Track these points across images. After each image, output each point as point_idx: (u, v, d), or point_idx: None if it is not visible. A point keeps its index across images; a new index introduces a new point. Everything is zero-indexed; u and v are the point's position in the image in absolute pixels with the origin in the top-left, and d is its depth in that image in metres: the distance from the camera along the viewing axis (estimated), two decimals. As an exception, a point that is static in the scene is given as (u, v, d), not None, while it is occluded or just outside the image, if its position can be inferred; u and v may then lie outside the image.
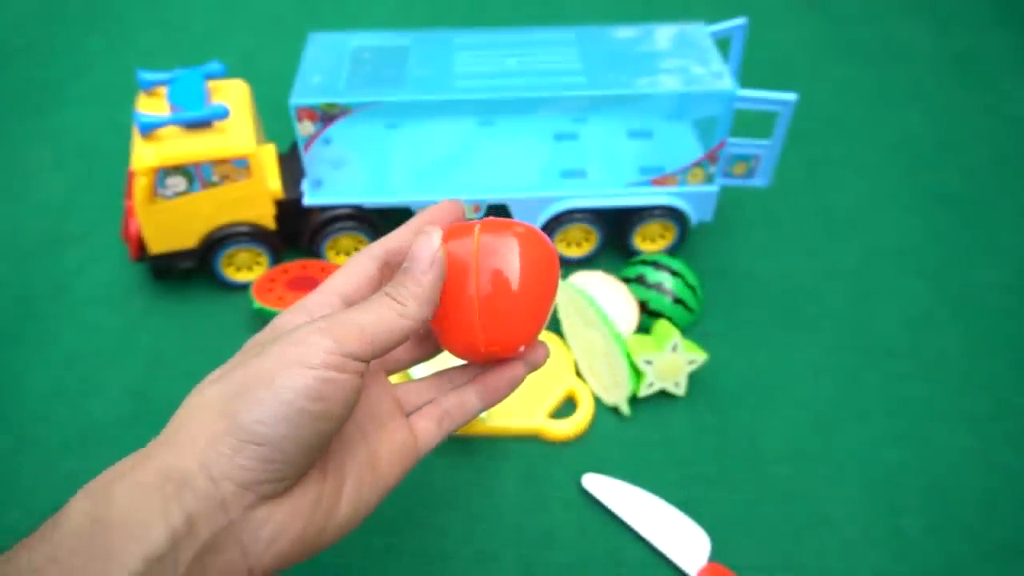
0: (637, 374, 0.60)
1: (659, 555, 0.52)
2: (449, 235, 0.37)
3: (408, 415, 0.38)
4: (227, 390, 0.32)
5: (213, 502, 0.30)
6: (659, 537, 0.52)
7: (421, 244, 0.35)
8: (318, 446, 0.32)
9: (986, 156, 0.86)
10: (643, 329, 0.66)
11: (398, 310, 0.34)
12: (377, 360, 0.37)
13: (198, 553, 0.29)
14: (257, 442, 0.30)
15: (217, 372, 0.34)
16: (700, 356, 0.60)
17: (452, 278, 0.36)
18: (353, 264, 0.38)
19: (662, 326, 0.62)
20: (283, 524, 0.32)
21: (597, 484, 0.55)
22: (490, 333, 0.36)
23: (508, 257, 0.36)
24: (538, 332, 0.38)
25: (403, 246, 0.39)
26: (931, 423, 0.61)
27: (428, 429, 0.38)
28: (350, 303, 0.36)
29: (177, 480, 0.30)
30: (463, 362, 0.40)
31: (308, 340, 0.32)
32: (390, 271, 0.39)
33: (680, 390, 0.61)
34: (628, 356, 0.60)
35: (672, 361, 0.60)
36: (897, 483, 0.57)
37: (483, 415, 0.58)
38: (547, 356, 0.40)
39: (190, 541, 0.29)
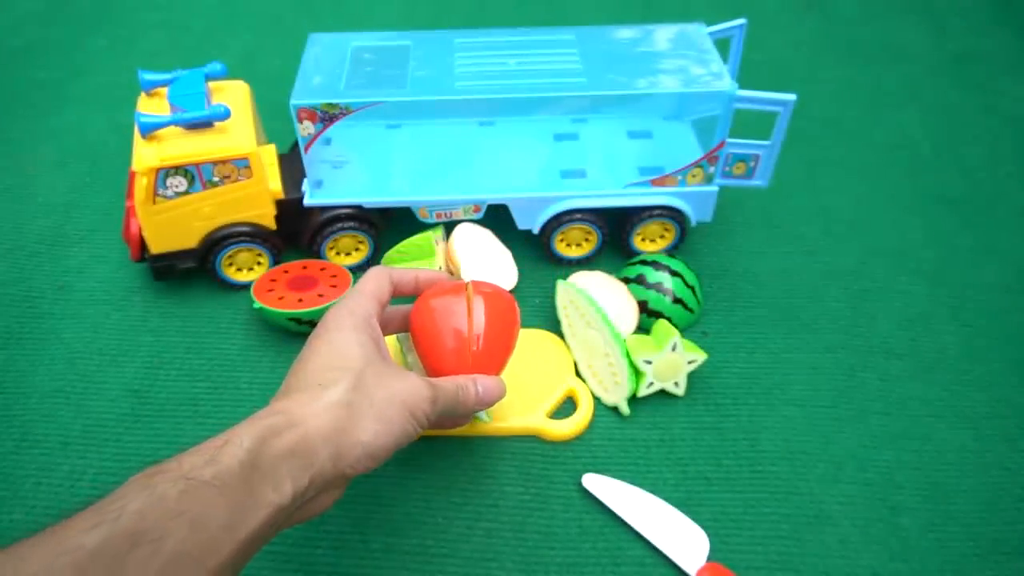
0: (637, 374, 0.60)
1: (659, 554, 0.53)
2: (443, 291, 0.52)
3: None
4: (373, 409, 0.42)
5: (325, 480, 0.40)
6: (659, 537, 0.53)
7: (494, 389, 0.50)
8: None
9: (984, 156, 0.87)
10: (643, 329, 0.66)
11: (458, 407, 0.48)
12: None
13: (307, 499, 0.40)
14: (375, 457, 0.42)
15: (348, 380, 0.43)
16: (700, 356, 0.60)
17: (448, 326, 0.51)
18: (380, 277, 0.50)
19: (662, 326, 0.62)
20: (335, 495, 0.43)
21: (597, 484, 0.55)
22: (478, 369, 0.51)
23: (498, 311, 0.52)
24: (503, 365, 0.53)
25: (407, 282, 0.52)
26: (929, 422, 0.61)
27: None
28: (383, 307, 0.49)
29: (314, 457, 0.39)
30: None
31: (417, 392, 0.44)
32: (393, 293, 0.51)
33: (680, 390, 0.61)
34: (628, 356, 0.60)
35: (672, 361, 0.60)
36: (896, 482, 0.57)
37: (483, 416, 0.59)
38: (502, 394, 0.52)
39: (302, 498, 0.39)
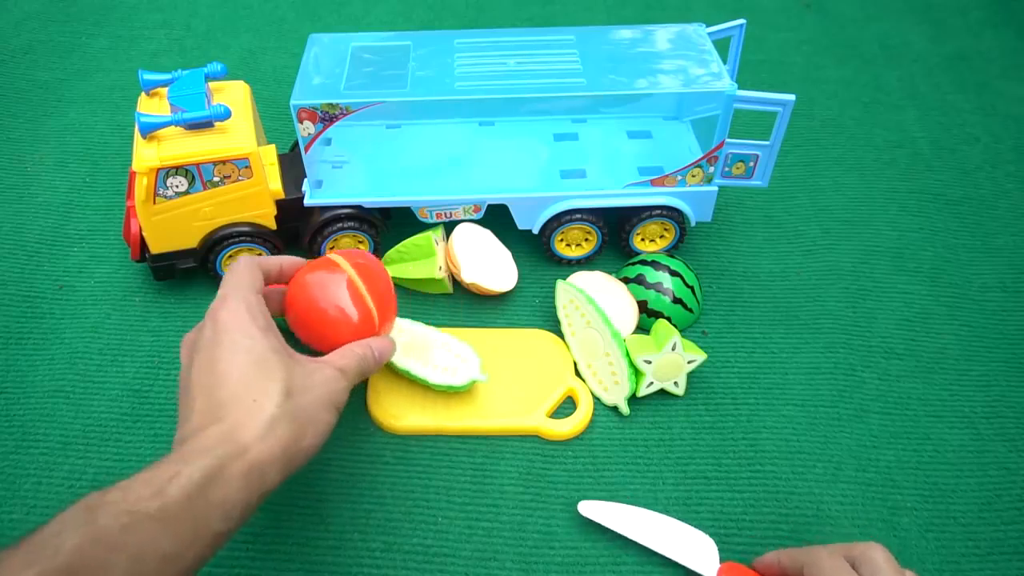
0: (637, 374, 0.60)
1: (658, 554, 0.53)
2: (314, 268, 0.53)
3: None
4: (307, 413, 0.43)
5: (270, 491, 0.41)
6: (669, 548, 0.52)
7: (386, 347, 0.52)
8: None
9: (984, 156, 0.87)
10: (642, 329, 0.66)
11: (370, 371, 0.50)
12: None
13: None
14: (311, 456, 0.43)
15: (276, 384, 0.43)
16: (699, 356, 0.61)
17: (332, 299, 0.52)
18: (247, 266, 0.49)
19: (662, 326, 0.62)
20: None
21: (594, 509, 0.54)
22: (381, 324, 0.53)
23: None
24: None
25: (272, 271, 0.52)
26: (929, 422, 0.61)
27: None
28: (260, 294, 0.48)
29: (262, 478, 0.40)
30: None
31: (334, 385, 0.45)
32: (265, 280, 0.50)
33: (679, 389, 0.61)
34: (628, 356, 0.60)
35: (672, 361, 0.60)
36: (895, 482, 0.57)
37: (484, 418, 0.59)
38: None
39: (253, 510, 0.40)
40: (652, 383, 0.60)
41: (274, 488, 0.41)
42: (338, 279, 0.52)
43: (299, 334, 0.53)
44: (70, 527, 0.33)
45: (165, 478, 0.37)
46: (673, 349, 0.60)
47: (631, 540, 0.53)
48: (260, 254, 0.69)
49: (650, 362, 0.60)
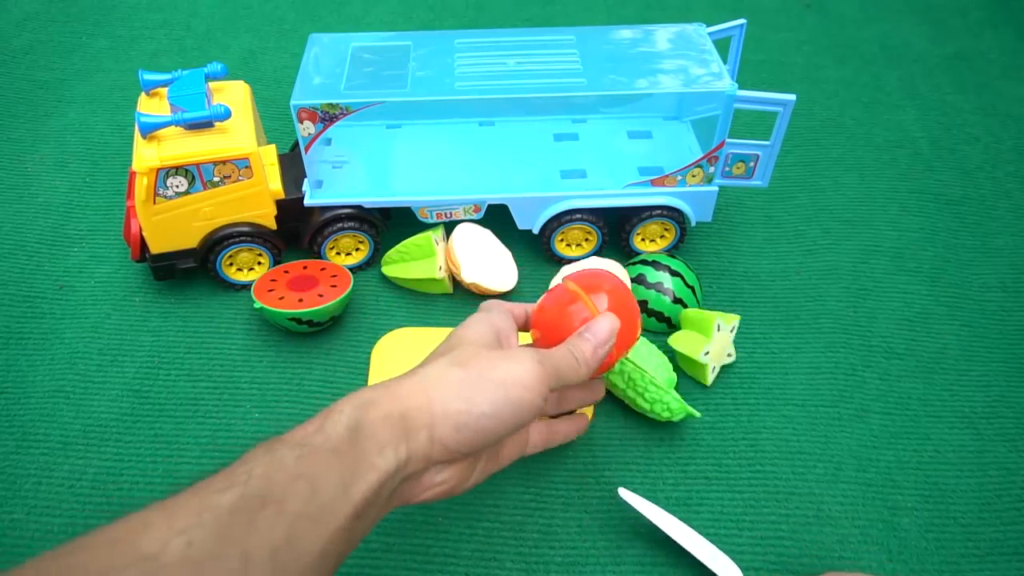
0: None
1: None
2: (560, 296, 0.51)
3: None
4: (467, 379, 0.42)
5: (425, 454, 0.40)
6: (699, 552, 0.51)
7: (603, 325, 0.47)
8: (504, 439, 0.44)
9: (984, 156, 0.87)
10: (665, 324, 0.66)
11: (579, 368, 0.46)
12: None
13: (403, 479, 0.40)
14: (477, 429, 0.41)
15: (448, 356, 0.43)
16: (735, 319, 0.63)
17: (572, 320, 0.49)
18: (516, 304, 0.51)
19: (693, 315, 0.63)
20: (446, 478, 0.43)
21: (633, 498, 0.53)
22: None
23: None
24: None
25: (518, 315, 0.51)
26: (929, 422, 0.61)
27: (535, 439, 0.51)
28: (516, 320, 0.50)
29: (410, 427, 0.40)
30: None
31: (530, 368, 0.43)
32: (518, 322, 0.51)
33: (732, 358, 0.64)
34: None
35: (721, 339, 0.62)
36: (895, 482, 0.57)
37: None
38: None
39: (404, 471, 0.40)
40: (715, 368, 0.63)
41: (428, 451, 0.40)
42: (577, 309, 0.49)
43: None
44: (256, 460, 0.36)
45: (323, 417, 0.39)
46: (718, 330, 0.61)
47: (662, 532, 0.52)
48: (260, 254, 0.69)
49: (707, 352, 0.61)
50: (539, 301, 0.52)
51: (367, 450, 0.38)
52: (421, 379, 0.42)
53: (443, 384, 0.41)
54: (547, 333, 0.49)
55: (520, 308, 0.52)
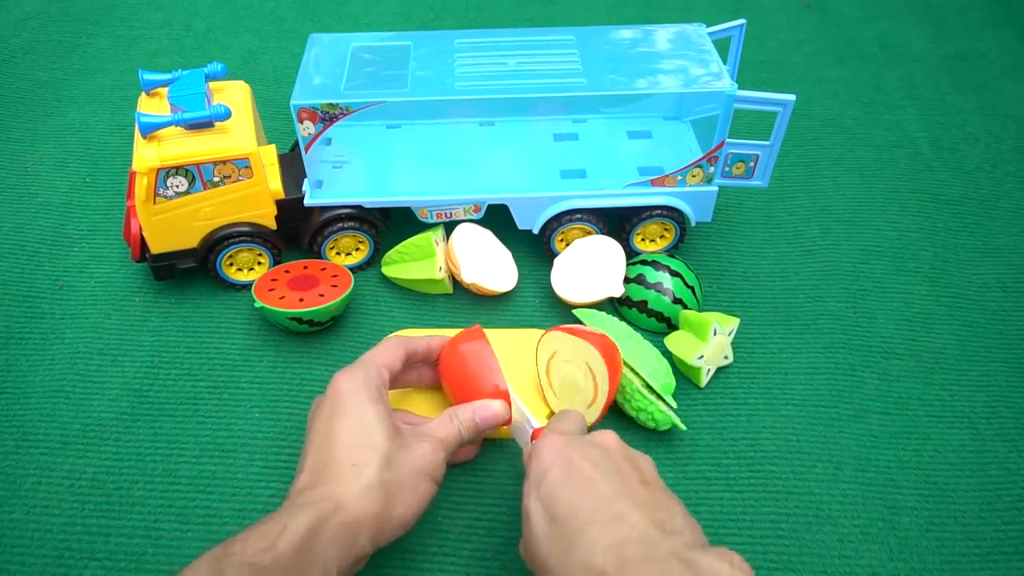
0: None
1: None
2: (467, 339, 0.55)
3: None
4: (402, 485, 0.45)
5: (361, 557, 0.44)
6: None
7: (493, 415, 0.52)
8: None
9: (983, 156, 0.87)
10: (661, 322, 0.66)
11: (463, 441, 0.51)
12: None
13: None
14: (406, 526, 0.46)
15: (379, 464, 0.45)
16: (734, 322, 0.63)
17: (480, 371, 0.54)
18: (393, 347, 0.52)
19: (691, 317, 0.63)
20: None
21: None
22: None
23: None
24: None
25: (419, 349, 0.55)
26: (929, 422, 0.61)
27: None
28: (393, 376, 0.51)
29: (357, 539, 0.43)
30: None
31: (432, 457, 0.47)
32: (408, 361, 0.54)
33: (730, 360, 0.64)
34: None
35: (717, 342, 0.62)
36: (895, 482, 0.57)
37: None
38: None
39: (345, 573, 0.43)
40: (709, 370, 0.62)
41: (364, 556, 0.44)
42: (486, 350, 0.54)
43: (451, 397, 0.56)
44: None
45: (276, 532, 0.41)
46: (715, 334, 0.61)
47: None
48: (260, 254, 0.69)
49: (702, 356, 0.61)
50: (453, 347, 0.55)
51: (311, 570, 0.40)
52: (368, 489, 0.44)
53: (387, 493, 0.44)
54: (453, 387, 0.55)
55: (418, 343, 0.55)
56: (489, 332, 0.65)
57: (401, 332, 0.66)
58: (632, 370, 0.58)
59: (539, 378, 0.59)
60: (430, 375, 0.58)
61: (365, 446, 0.46)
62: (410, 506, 0.45)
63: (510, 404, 0.53)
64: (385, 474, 0.45)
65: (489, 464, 0.58)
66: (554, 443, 0.45)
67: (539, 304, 0.69)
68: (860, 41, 1.04)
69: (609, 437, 0.46)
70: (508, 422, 0.53)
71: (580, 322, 0.64)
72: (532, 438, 0.51)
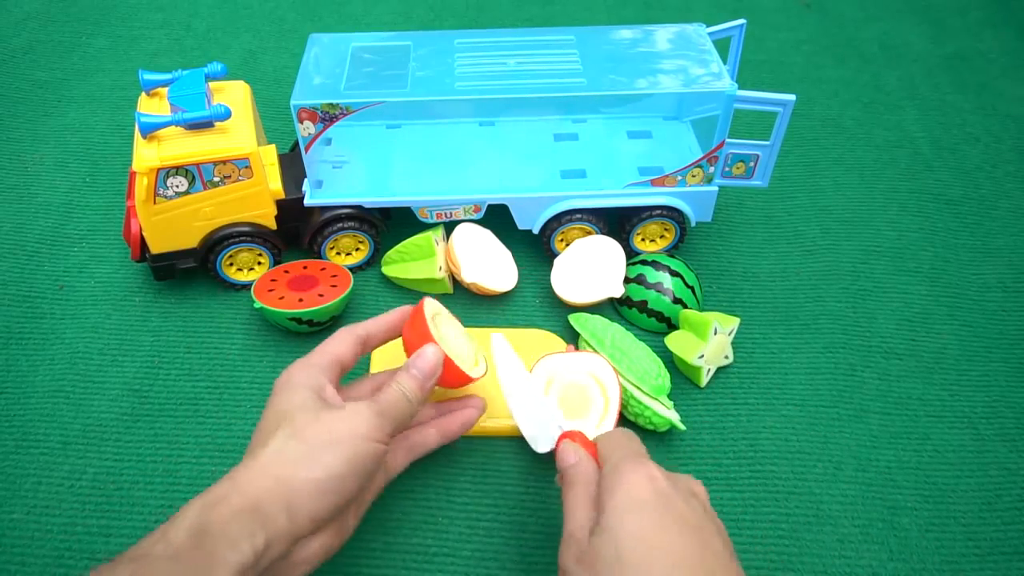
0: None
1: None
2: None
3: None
4: (310, 447, 0.42)
5: (288, 533, 0.40)
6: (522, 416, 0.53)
7: (427, 357, 0.49)
8: (361, 492, 0.45)
9: (983, 156, 0.87)
10: (666, 322, 0.66)
11: (411, 406, 0.48)
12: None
13: (269, 564, 0.40)
14: (335, 491, 0.42)
15: (283, 431, 0.43)
16: (735, 322, 0.63)
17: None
18: (343, 337, 0.50)
19: (691, 317, 0.63)
20: (320, 544, 0.43)
21: (501, 346, 0.54)
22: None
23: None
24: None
25: (373, 332, 0.52)
26: (929, 422, 0.61)
27: (397, 458, 0.51)
28: (343, 366, 0.49)
29: (266, 514, 0.40)
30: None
31: (367, 419, 0.44)
32: (364, 348, 0.51)
33: (730, 360, 0.64)
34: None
35: (718, 342, 0.62)
36: (895, 482, 0.57)
37: (484, 418, 0.59)
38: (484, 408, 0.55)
39: (266, 557, 0.39)
40: (710, 370, 0.62)
41: (295, 531, 0.41)
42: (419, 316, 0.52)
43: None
44: None
45: (165, 526, 0.39)
46: (715, 333, 0.61)
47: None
48: (260, 254, 0.69)
49: (703, 356, 0.61)
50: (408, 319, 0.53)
51: (216, 550, 0.38)
52: (264, 463, 0.41)
53: (287, 460, 0.42)
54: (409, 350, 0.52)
55: (368, 328, 0.52)
56: (488, 332, 0.66)
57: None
58: (623, 376, 0.58)
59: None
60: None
61: (273, 425, 0.44)
62: (325, 466, 0.42)
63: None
64: (286, 443, 0.42)
65: (489, 464, 0.58)
66: (653, 474, 0.42)
67: (539, 304, 0.69)
68: (860, 41, 1.04)
69: (701, 488, 0.44)
70: (444, 366, 0.50)
71: (575, 330, 0.64)
72: (560, 439, 0.49)
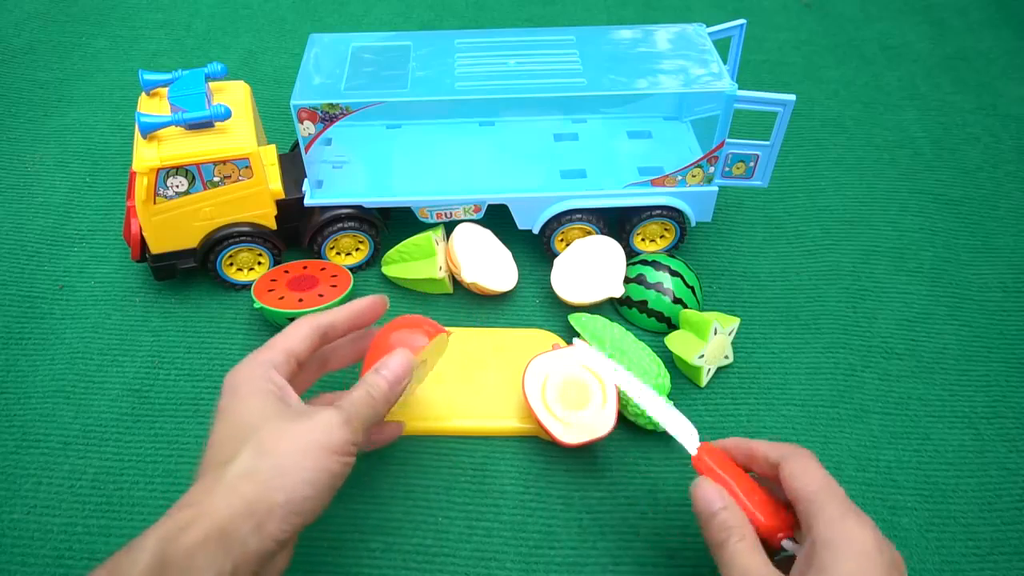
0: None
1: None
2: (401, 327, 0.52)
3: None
4: (280, 465, 0.40)
5: (257, 553, 0.39)
6: (661, 416, 0.52)
7: (398, 364, 0.47)
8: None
9: (982, 156, 0.87)
10: (666, 321, 0.66)
11: (379, 408, 0.46)
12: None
13: None
14: (304, 511, 0.40)
15: (250, 447, 0.41)
16: (735, 322, 0.63)
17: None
18: (299, 328, 0.48)
19: (691, 316, 0.63)
20: (284, 557, 0.43)
21: (587, 352, 0.57)
22: None
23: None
24: None
25: (337, 322, 0.50)
26: (928, 422, 0.61)
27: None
28: (299, 360, 0.47)
29: (234, 539, 0.38)
30: None
31: (336, 430, 0.42)
32: (325, 340, 0.50)
33: (730, 360, 0.64)
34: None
35: (718, 342, 0.62)
36: (895, 482, 0.57)
37: (484, 418, 0.59)
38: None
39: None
40: (710, 370, 0.62)
41: (265, 550, 0.39)
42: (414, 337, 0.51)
43: None
44: None
45: (123, 556, 0.37)
46: (715, 333, 0.61)
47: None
48: (260, 254, 0.69)
49: (703, 356, 0.61)
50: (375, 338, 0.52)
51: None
52: (232, 483, 0.39)
53: (259, 481, 0.39)
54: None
55: (324, 320, 0.49)
56: (489, 332, 0.66)
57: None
58: None
59: (538, 411, 0.56)
60: (351, 352, 0.54)
61: (235, 439, 0.41)
62: (296, 487, 0.40)
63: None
64: (254, 461, 0.40)
65: (489, 464, 0.58)
66: (879, 538, 0.42)
67: (539, 304, 0.69)
68: (860, 41, 1.04)
69: (900, 560, 0.43)
70: (416, 363, 0.49)
71: (575, 329, 0.64)
72: (697, 465, 0.48)
